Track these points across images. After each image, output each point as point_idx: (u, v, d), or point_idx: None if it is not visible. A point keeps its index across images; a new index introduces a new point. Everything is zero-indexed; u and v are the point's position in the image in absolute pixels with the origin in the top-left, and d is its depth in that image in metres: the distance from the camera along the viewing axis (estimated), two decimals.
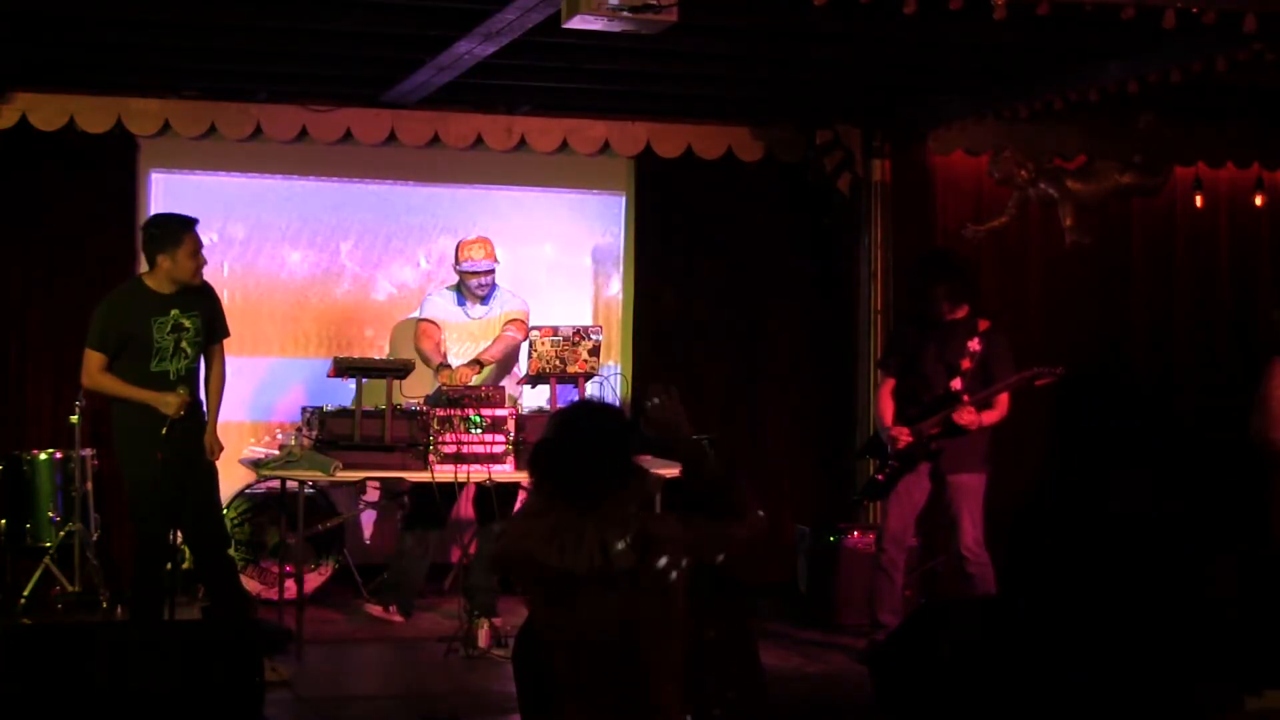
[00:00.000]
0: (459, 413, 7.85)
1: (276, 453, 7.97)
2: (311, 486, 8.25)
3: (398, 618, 8.37)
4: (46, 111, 8.83)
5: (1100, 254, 9.71)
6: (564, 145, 9.52)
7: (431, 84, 8.44)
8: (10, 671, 5.47)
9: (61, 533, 8.25)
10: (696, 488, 4.08)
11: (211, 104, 9.06)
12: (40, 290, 8.99)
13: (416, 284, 9.59)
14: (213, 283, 7.37)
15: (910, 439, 7.65)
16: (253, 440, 9.04)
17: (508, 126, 9.41)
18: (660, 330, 9.79)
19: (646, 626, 3.88)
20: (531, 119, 9.44)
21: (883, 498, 7.93)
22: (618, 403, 8.29)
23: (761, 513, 4.12)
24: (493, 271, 8.56)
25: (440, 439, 7.81)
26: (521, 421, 7.95)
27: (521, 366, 8.65)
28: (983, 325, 7.67)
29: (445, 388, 8.09)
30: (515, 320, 8.58)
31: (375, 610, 8.39)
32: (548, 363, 8.23)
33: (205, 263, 7.09)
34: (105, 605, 8.14)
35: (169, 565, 7.02)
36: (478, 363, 8.38)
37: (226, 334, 7.25)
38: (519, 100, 9.27)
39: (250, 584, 8.52)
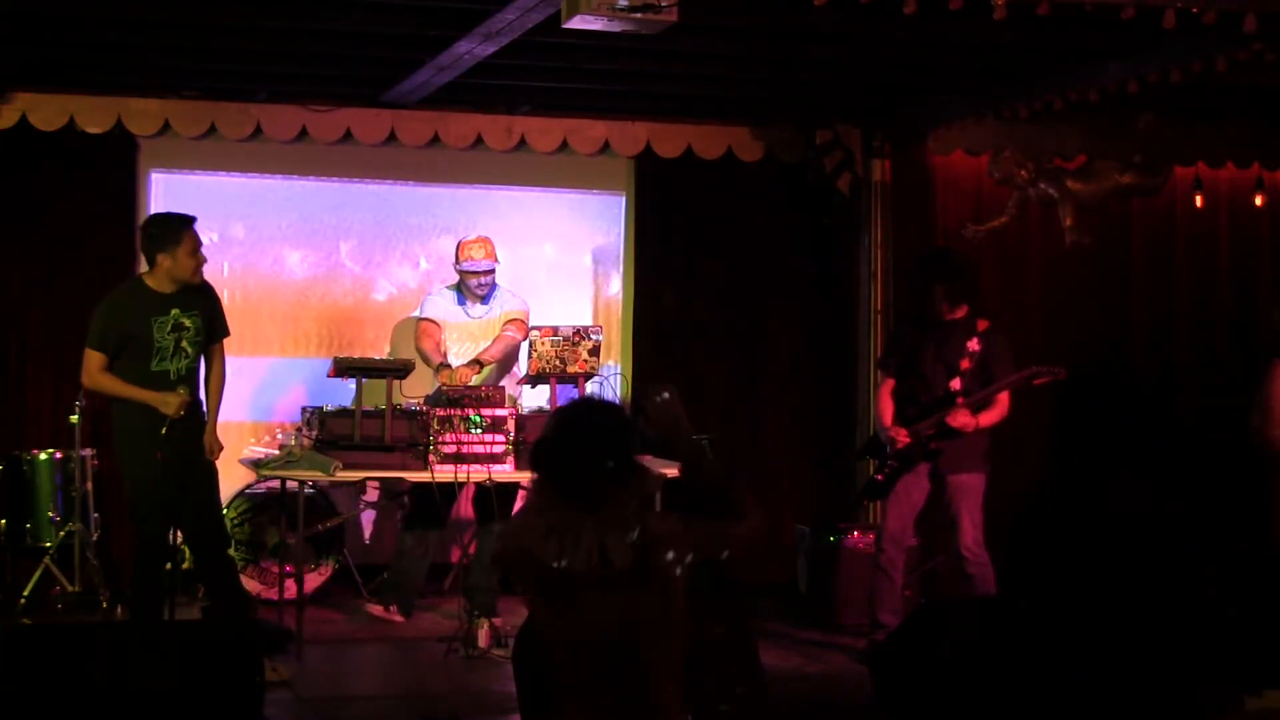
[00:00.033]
0: (459, 413, 7.85)
1: (276, 453, 7.97)
2: (311, 486, 8.26)
3: (398, 617, 8.37)
4: (46, 111, 8.83)
5: (1100, 254, 9.70)
6: (564, 145, 9.52)
7: (431, 84, 8.44)
8: (10, 671, 5.47)
9: (61, 533, 8.25)
10: (696, 487, 4.08)
11: (211, 104, 9.06)
12: (40, 290, 8.99)
13: (416, 284, 9.59)
14: (213, 283, 7.37)
15: (908, 440, 7.65)
16: (253, 440, 9.04)
17: (508, 126, 9.41)
18: (660, 330, 9.79)
19: (646, 626, 3.88)
20: (531, 119, 9.44)
21: (882, 498, 7.93)
22: (618, 402, 8.29)
23: (761, 512, 4.12)
24: (493, 271, 8.56)
25: (440, 439, 7.81)
26: (521, 421, 7.95)
27: (521, 366, 8.65)
28: (982, 325, 7.66)
29: (445, 388, 8.09)
30: (515, 320, 8.59)
31: (376, 610, 8.39)
32: (548, 363, 8.23)
33: (205, 261, 7.09)
34: (105, 605, 8.13)
35: (169, 565, 7.02)
36: (477, 363, 8.39)
37: (227, 333, 7.25)
38: (519, 100, 9.27)
39: (250, 584, 8.52)
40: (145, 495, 6.89)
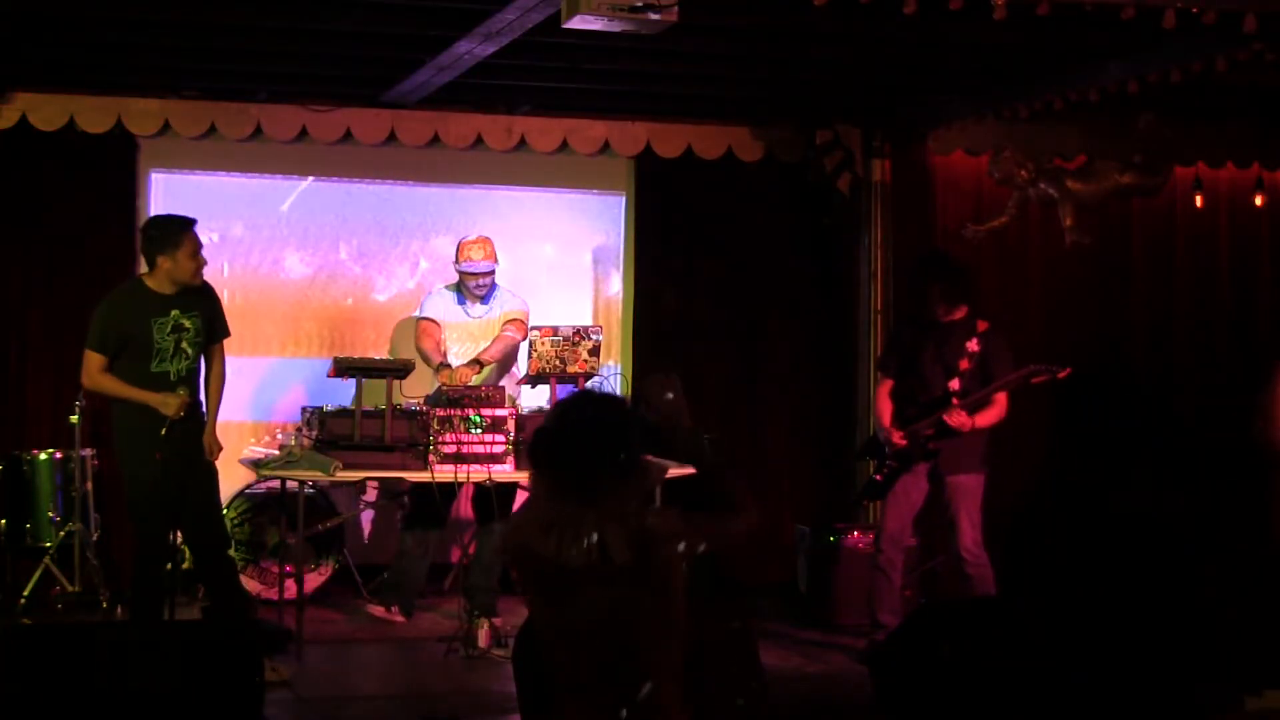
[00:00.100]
0: (459, 413, 7.85)
1: (276, 453, 7.97)
2: (311, 486, 8.26)
3: (399, 618, 8.37)
4: (46, 111, 8.83)
5: (1100, 254, 9.70)
6: (564, 145, 9.52)
7: (431, 84, 8.44)
8: (10, 671, 5.47)
9: (61, 533, 8.25)
10: (696, 481, 4.08)
11: (211, 104, 9.06)
12: (40, 290, 8.99)
13: (416, 284, 9.59)
14: (213, 283, 7.37)
15: (904, 440, 7.66)
16: (253, 440, 9.04)
17: (508, 126, 9.41)
18: (660, 330, 9.79)
19: (646, 625, 3.87)
20: (531, 119, 9.44)
21: (880, 498, 7.94)
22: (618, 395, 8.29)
23: (757, 506, 4.12)
24: (492, 273, 8.56)
25: (440, 439, 7.81)
26: (521, 421, 7.95)
27: (521, 367, 8.65)
28: (981, 326, 7.67)
29: (445, 388, 8.09)
30: (515, 320, 8.59)
31: (377, 611, 8.38)
32: (548, 363, 8.23)
33: (205, 263, 7.09)
34: (105, 605, 8.13)
35: (169, 565, 7.02)
36: (477, 362, 8.39)
37: (227, 334, 7.25)
38: (519, 100, 9.27)
39: (250, 584, 8.52)
40: (145, 495, 6.89)
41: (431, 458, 7.81)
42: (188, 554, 7.61)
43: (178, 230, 6.99)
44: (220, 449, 7.19)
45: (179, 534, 7.05)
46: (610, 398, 4.17)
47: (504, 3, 6.78)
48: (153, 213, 8.88)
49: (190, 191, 9.25)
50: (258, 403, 9.39)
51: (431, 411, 7.88)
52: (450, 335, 8.61)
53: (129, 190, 9.16)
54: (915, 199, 9.73)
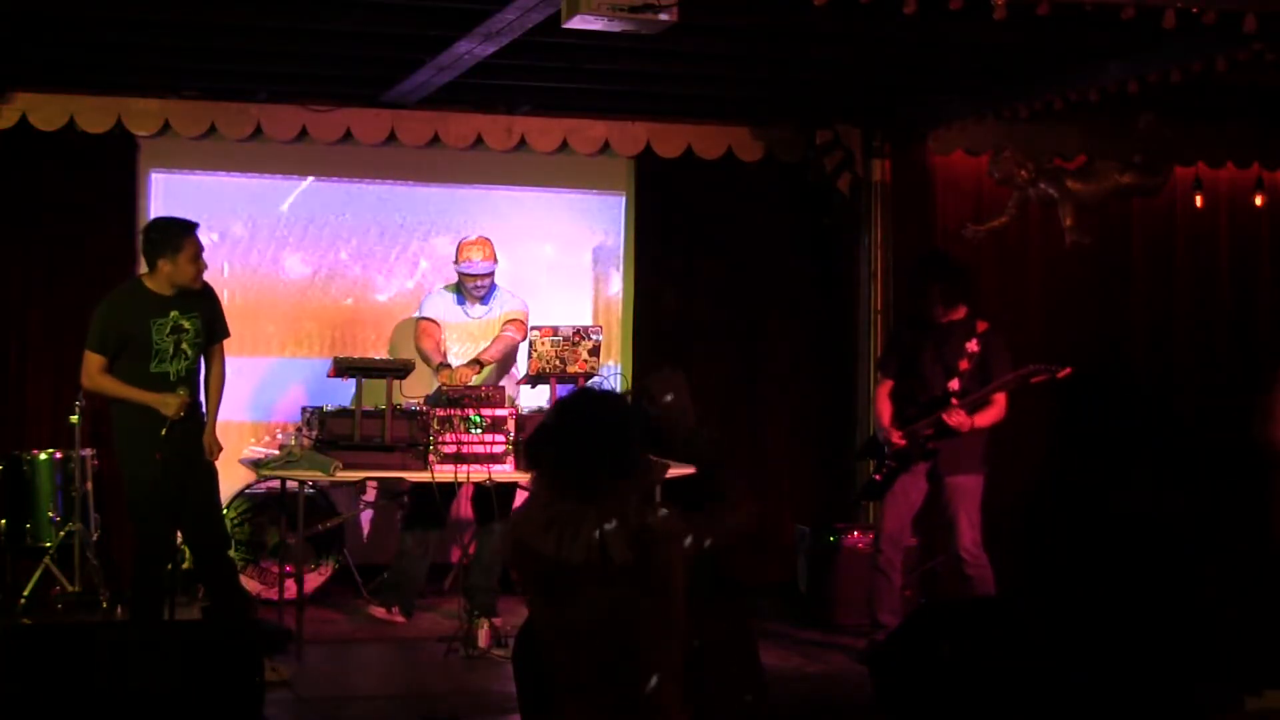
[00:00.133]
0: (459, 413, 7.85)
1: (276, 453, 7.97)
2: (311, 486, 8.25)
3: (399, 619, 8.37)
4: (46, 111, 8.83)
5: (1100, 254, 9.70)
6: (564, 145, 9.52)
7: (431, 84, 8.44)
8: (10, 671, 5.47)
9: (61, 533, 8.25)
10: (694, 479, 4.07)
11: (211, 104, 9.06)
12: (40, 290, 8.99)
13: (416, 284, 9.59)
14: (213, 283, 7.37)
15: (902, 440, 7.66)
16: (253, 440, 9.04)
17: (508, 126, 9.41)
18: (660, 330, 9.79)
19: (646, 625, 3.87)
20: (531, 119, 9.44)
21: (879, 498, 7.94)
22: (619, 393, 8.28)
23: (752, 501, 4.12)
24: (491, 275, 8.56)
25: (440, 439, 7.81)
26: (521, 421, 7.94)
27: (520, 367, 8.65)
28: (981, 327, 7.67)
29: (445, 388, 8.09)
30: (514, 320, 8.59)
31: (378, 613, 8.38)
32: (548, 363, 8.23)
33: (206, 267, 7.08)
34: (105, 605, 8.13)
35: (169, 565, 7.02)
36: (477, 362, 8.39)
37: (226, 335, 7.24)
38: (519, 100, 9.27)
39: (250, 584, 8.52)
40: (145, 495, 6.89)
41: (431, 458, 7.81)
42: (188, 554, 7.61)
43: (179, 234, 6.98)
44: (220, 449, 7.19)
45: (179, 534, 7.05)
46: (610, 396, 4.16)
47: (504, 3, 6.78)
48: (153, 213, 8.90)
49: (190, 191, 9.25)
50: (258, 403, 9.38)
51: (431, 411, 7.88)
52: (450, 335, 8.61)
53: (129, 190, 9.15)
54: (915, 199, 9.73)
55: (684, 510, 4.02)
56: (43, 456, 8.37)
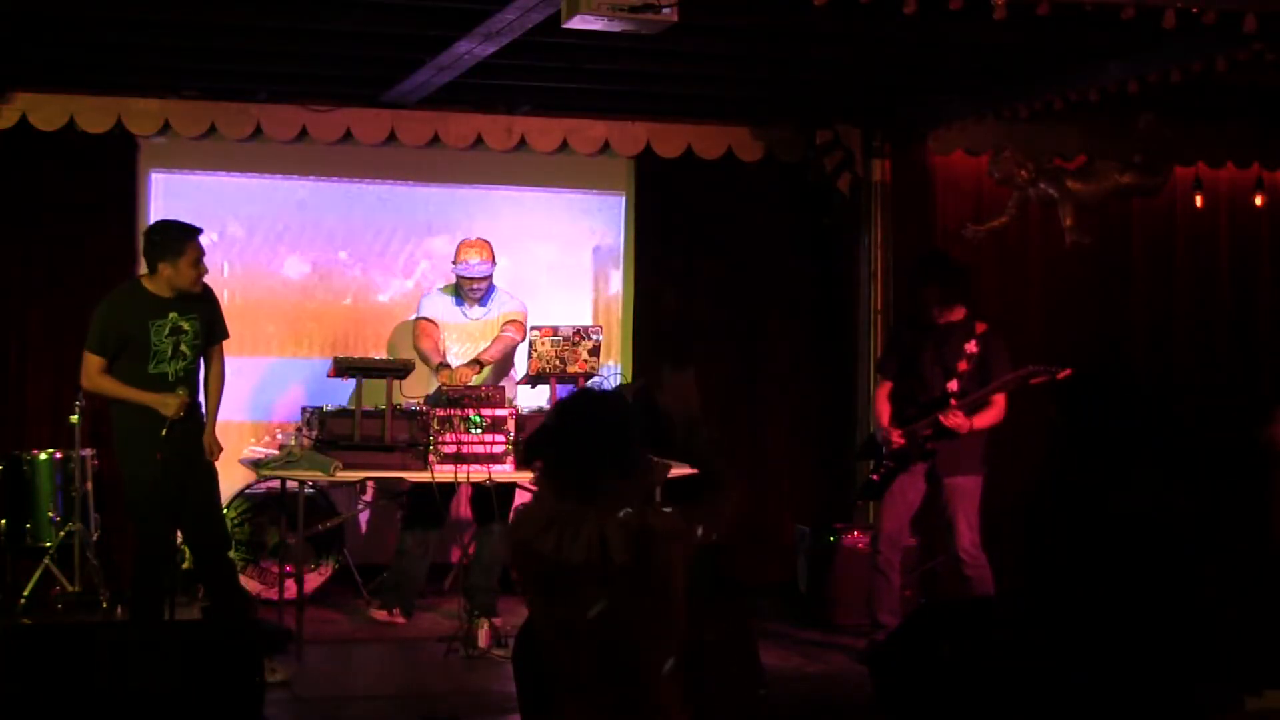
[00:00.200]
0: (459, 413, 7.85)
1: (276, 453, 7.97)
2: (311, 486, 8.25)
3: (400, 620, 8.37)
4: (46, 111, 8.83)
5: (1100, 254, 9.70)
6: (564, 145, 9.52)
7: (431, 84, 8.44)
8: (10, 671, 5.47)
9: (61, 533, 8.25)
10: (695, 472, 4.08)
11: (211, 104, 9.06)
12: (40, 290, 8.99)
13: (416, 284, 9.59)
14: (213, 283, 7.36)
15: (902, 440, 7.66)
16: (253, 440, 9.04)
17: (508, 126, 9.41)
18: (660, 330, 9.79)
19: (646, 625, 3.87)
20: (531, 119, 9.44)
21: (877, 498, 7.94)
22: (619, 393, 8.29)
23: (737, 482, 4.14)
24: (489, 278, 8.56)
25: (440, 439, 7.81)
26: (521, 421, 7.95)
27: (519, 368, 8.65)
28: (980, 328, 7.68)
29: (445, 388, 8.09)
30: (513, 321, 8.59)
31: (379, 615, 8.37)
32: (548, 363, 8.23)
33: (207, 271, 7.07)
34: (105, 605, 8.14)
35: (169, 565, 7.02)
36: (477, 363, 8.39)
37: (226, 336, 7.24)
38: (519, 100, 9.27)
39: (250, 584, 8.52)
40: (145, 495, 6.89)
41: (431, 458, 7.81)
42: (188, 554, 7.61)
43: (181, 238, 6.97)
44: (220, 450, 7.19)
45: (179, 534, 7.05)
46: (610, 397, 4.17)
47: (504, 3, 6.78)
48: (153, 213, 8.91)
49: (190, 191, 9.26)
50: (257, 403, 9.38)
51: (431, 411, 7.88)
52: (449, 336, 8.60)
53: (129, 190, 9.16)
54: (915, 199, 9.73)
55: (680, 503, 4.02)
56: (43, 456, 8.37)
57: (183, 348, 6.98)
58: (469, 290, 8.54)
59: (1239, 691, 5.02)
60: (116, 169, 9.13)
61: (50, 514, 8.31)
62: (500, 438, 7.87)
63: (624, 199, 9.91)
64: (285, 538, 8.32)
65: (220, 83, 8.94)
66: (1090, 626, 4.18)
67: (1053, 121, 8.98)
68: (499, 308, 8.62)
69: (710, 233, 9.86)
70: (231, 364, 7.38)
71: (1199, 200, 9.91)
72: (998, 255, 9.72)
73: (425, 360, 8.49)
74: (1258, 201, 10.10)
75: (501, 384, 8.47)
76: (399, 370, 7.97)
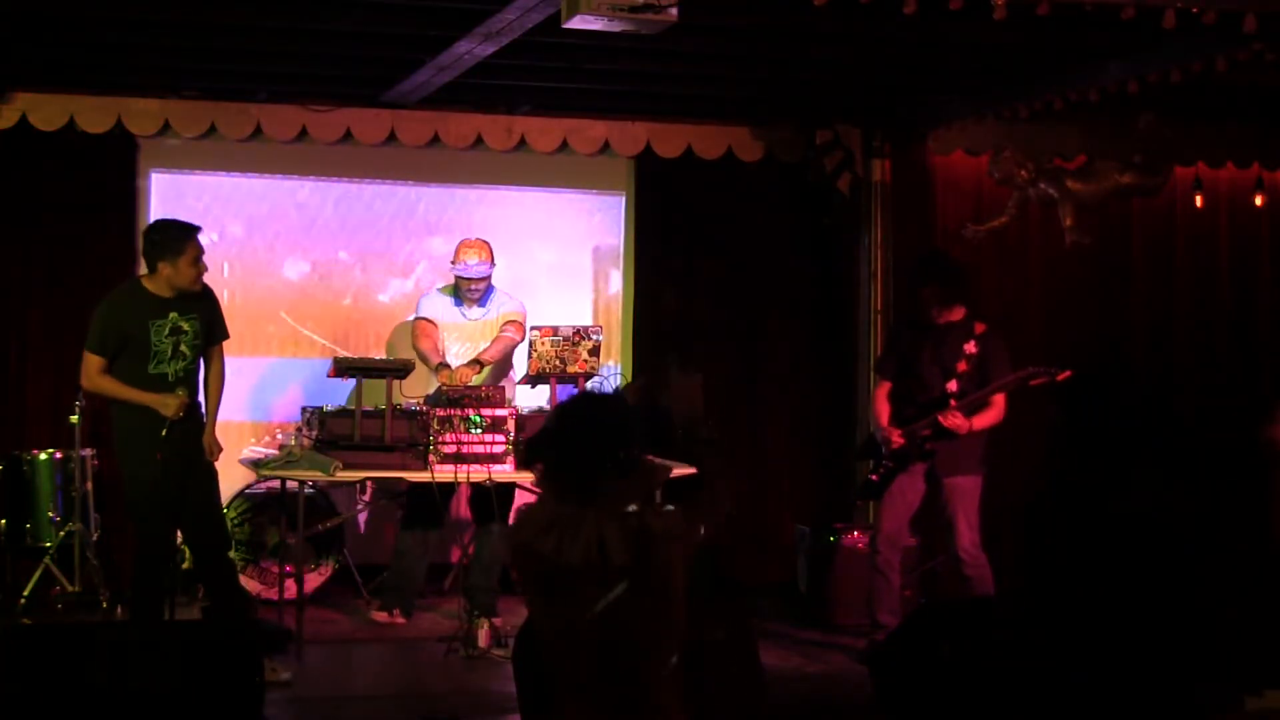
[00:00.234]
0: (459, 413, 7.85)
1: (276, 453, 7.97)
2: (311, 486, 8.25)
3: (400, 620, 8.36)
4: (46, 111, 8.83)
5: (1100, 254, 9.70)
6: (564, 145, 9.52)
7: (431, 84, 8.44)
8: (10, 671, 5.47)
9: (61, 533, 8.25)
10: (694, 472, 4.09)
11: (211, 104, 9.06)
12: (40, 290, 8.99)
13: (416, 284, 9.58)
14: (213, 283, 7.36)
15: (902, 440, 7.66)
16: (253, 440, 9.04)
17: (508, 126, 9.41)
18: (660, 330, 9.79)
19: (646, 626, 3.87)
20: (531, 119, 9.44)
21: (876, 498, 7.94)
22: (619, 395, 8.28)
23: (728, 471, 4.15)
24: (487, 279, 8.55)
25: (440, 439, 7.81)
26: (521, 421, 7.94)
27: (518, 368, 8.65)
28: (979, 328, 7.68)
29: (445, 388, 8.09)
30: (512, 322, 8.59)
31: (380, 617, 8.36)
32: (548, 363, 8.23)
33: (206, 270, 7.07)
34: (105, 605, 8.13)
35: (169, 565, 7.02)
36: (478, 363, 8.39)
37: (225, 336, 7.23)
38: (519, 100, 9.27)
39: (250, 584, 8.52)
40: (145, 495, 6.89)
41: (431, 458, 7.80)
42: (188, 554, 7.61)
43: (181, 237, 6.97)
44: (220, 450, 7.19)
45: (179, 534, 7.05)
46: (609, 398, 4.17)
47: (504, 3, 6.78)
48: (153, 213, 8.90)
49: (190, 191, 9.26)
50: (257, 403, 9.38)
51: (431, 411, 7.88)
52: (449, 336, 8.60)
53: (129, 190, 9.15)
54: (915, 199, 9.73)
55: (680, 503, 4.03)
56: (43, 456, 8.37)
57: (183, 348, 6.98)
58: (467, 291, 8.53)
59: (1239, 691, 5.02)
60: (116, 169, 9.12)
61: (50, 514, 8.31)
62: (500, 438, 7.87)
63: (624, 199, 9.91)
64: (285, 538, 8.32)
65: (220, 83, 8.93)
66: (1090, 626, 4.18)
67: (1053, 121, 8.98)
68: (498, 308, 8.62)
69: (710, 233, 9.86)
70: (231, 364, 7.37)
71: (1199, 200, 9.90)
72: (998, 255, 9.72)
73: (424, 360, 8.49)
74: (1258, 201, 10.10)
75: (501, 384, 8.47)
76: (399, 370, 7.97)
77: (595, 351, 8.28)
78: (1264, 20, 6.56)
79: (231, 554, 7.65)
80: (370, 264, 9.62)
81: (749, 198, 9.85)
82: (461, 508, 8.68)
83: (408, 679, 7.44)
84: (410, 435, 7.87)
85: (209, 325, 7.09)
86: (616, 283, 9.94)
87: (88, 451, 8.37)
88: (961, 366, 7.58)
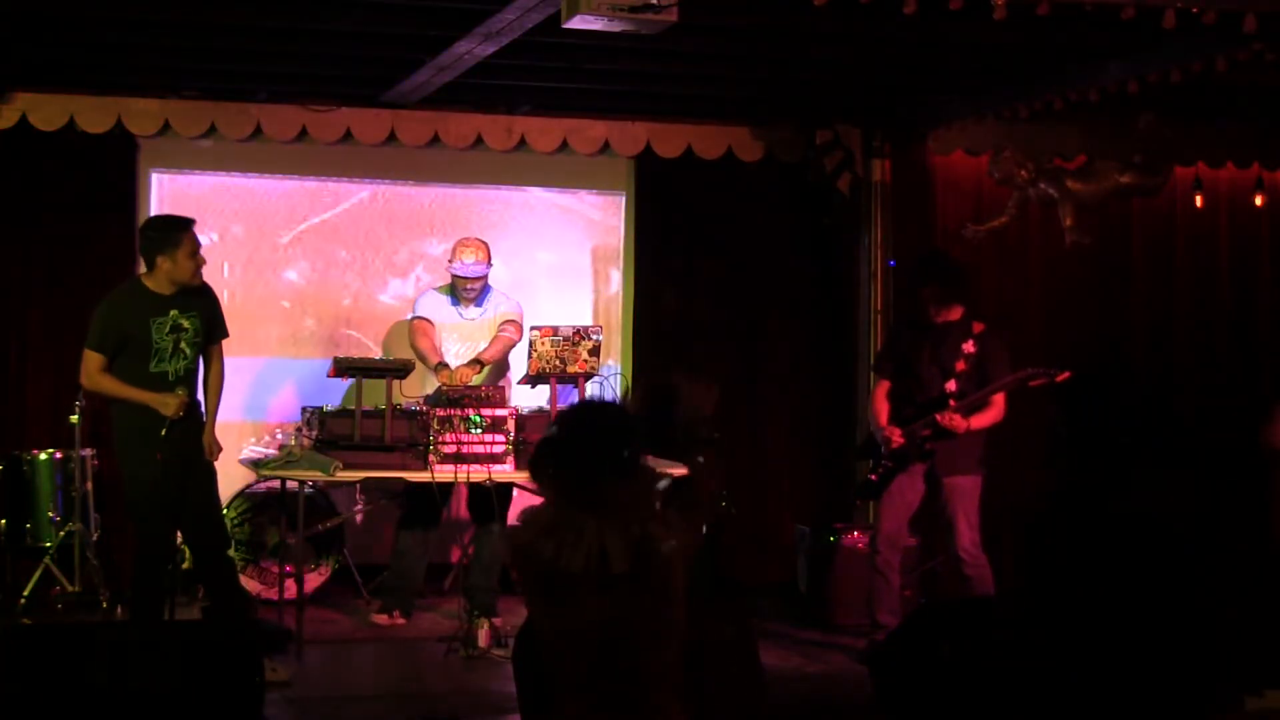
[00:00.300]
0: (459, 413, 7.85)
1: (276, 453, 7.96)
2: (311, 486, 8.25)
3: (400, 620, 8.36)
4: (46, 111, 8.83)
5: (1100, 254, 9.70)
6: (564, 145, 9.52)
7: (431, 84, 8.44)
8: (10, 671, 5.47)
9: (61, 533, 8.25)
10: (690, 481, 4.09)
11: (211, 104, 9.06)
12: (40, 290, 8.99)
13: (415, 284, 9.58)
14: (213, 283, 7.37)
15: (902, 440, 7.67)
16: (252, 440, 9.04)
17: (508, 126, 9.41)
18: (660, 330, 9.79)
19: (646, 628, 3.87)
20: (531, 119, 9.44)
21: (875, 498, 7.95)
22: (618, 401, 8.29)
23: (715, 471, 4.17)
24: (484, 278, 8.55)
25: (440, 439, 7.81)
26: (521, 421, 7.94)
27: (515, 368, 8.64)
28: (978, 328, 7.68)
29: (445, 388, 8.09)
30: (510, 321, 8.58)
31: (380, 619, 8.35)
32: (548, 363, 8.22)
33: (204, 263, 7.09)
34: (105, 605, 8.14)
35: (169, 565, 7.02)
36: (478, 362, 8.38)
37: (225, 335, 7.24)
38: (519, 100, 9.27)
39: (250, 584, 8.52)
40: (145, 495, 6.89)
41: (431, 458, 7.80)
42: (188, 554, 7.61)
43: (176, 230, 6.99)
44: (220, 449, 7.19)
45: (179, 534, 7.05)
46: (610, 405, 4.19)
47: (504, 3, 6.78)
48: (153, 213, 8.89)
49: (190, 191, 9.25)
50: (257, 403, 9.38)
51: (431, 411, 7.88)
52: (447, 336, 8.60)
53: (129, 190, 9.15)
54: (915, 199, 9.73)
55: (678, 504, 4.03)
56: (43, 456, 8.37)
57: (183, 346, 6.98)
58: (464, 290, 8.53)
59: (1239, 691, 5.02)
60: (116, 169, 9.13)
61: (50, 514, 8.31)
62: (500, 438, 7.87)
63: (624, 199, 9.91)
64: (285, 538, 8.32)
65: (220, 83, 8.94)
66: (1090, 627, 4.18)
67: (1053, 121, 8.98)
68: (494, 308, 8.61)
69: (710, 233, 9.86)
70: (231, 364, 7.38)
71: (1199, 200, 9.90)
72: (998, 255, 9.72)
73: (423, 360, 8.48)
74: (1258, 201, 10.10)
75: (500, 385, 8.47)
76: (399, 370, 7.96)
77: (595, 351, 8.28)
78: (1264, 20, 6.56)
79: (231, 554, 7.65)
80: (370, 264, 9.61)
81: (749, 198, 9.85)
82: (461, 508, 8.67)
83: (408, 679, 7.44)
84: (410, 435, 7.86)
85: (209, 323, 7.10)
86: (616, 283, 9.94)
87: (88, 451, 8.38)
88: (960, 366, 7.58)
